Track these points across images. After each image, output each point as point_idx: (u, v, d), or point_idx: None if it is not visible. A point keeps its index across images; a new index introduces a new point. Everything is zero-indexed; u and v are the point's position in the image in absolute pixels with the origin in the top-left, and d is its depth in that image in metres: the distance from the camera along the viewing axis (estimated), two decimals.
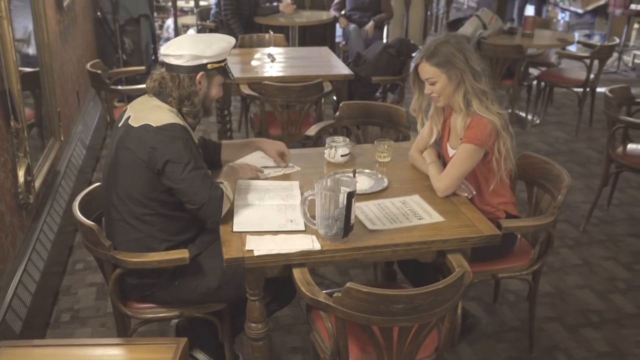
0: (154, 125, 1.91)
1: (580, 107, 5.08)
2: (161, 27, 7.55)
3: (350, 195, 1.81)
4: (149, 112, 1.98)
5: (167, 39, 7.59)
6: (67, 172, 3.57)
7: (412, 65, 2.31)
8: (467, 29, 5.23)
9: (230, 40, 2.12)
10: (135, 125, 1.94)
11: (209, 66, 2.03)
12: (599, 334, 2.68)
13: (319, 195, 1.84)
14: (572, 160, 4.60)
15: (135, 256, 1.95)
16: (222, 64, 2.09)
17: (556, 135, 5.19)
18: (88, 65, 3.84)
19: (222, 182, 2.03)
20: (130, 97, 5.36)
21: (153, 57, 6.07)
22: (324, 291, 1.75)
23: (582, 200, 3.93)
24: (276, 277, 1.93)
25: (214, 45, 2.04)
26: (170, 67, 2.02)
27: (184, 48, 2.00)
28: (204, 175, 1.94)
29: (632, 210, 3.85)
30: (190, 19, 8.09)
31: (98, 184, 2.21)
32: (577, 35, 7.60)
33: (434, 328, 1.76)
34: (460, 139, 2.24)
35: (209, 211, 1.94)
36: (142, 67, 4.48)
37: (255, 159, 2.43)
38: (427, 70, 2.20)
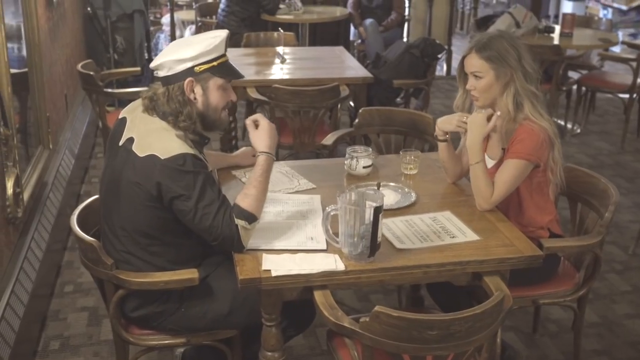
0: (162, 158, 1.91)
1: (627, 115, 5.12)
2: (154, 23, 7.65)
3: (378, 211, 1.86)
4: (155, 138, 1.96)
5: (167, 34, 7.69)
6: (55, 183, 3.64)
7: (459, 57, 2.34)
8: (498, 27, 5.28)
9: (218, 33, 2.05)
10: (141, 155, 1.94)
11: (196, 69, 1.98)
12: None
13: (342, 210, 1.89)
14: (619, 174, 4.64)
15: (140, 276, 2.01)
16: (215, 63, 2.01)
17: (599, 146, 5.23)
18: (79, 66, 3.92)
19: (242, 210, 1.95)
20: (121, 102, 5.46)
21: (147, 57, 6.18)
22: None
23: (631, 220, 3.95)
24: (293, 300, 1.97)
25: (196, 45, 1.99)
26: (161, 81, 2.03)
27: (164, 56, 2.00)
28: (218, 209, 1.92)
29: None
30: (186, 14, 8.20)
31: (95, 197, 2.26)
32: (620, 35, 7.66)
33: (470, 358, 1.80)
34: (503, 149, 2.29)
35: (226, 247, 1.97)
36: (138, 69, 4.57)
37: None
38: (475, 63, 2.26)
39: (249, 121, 2.11)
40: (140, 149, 1.96)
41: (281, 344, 2.03)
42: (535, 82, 2.27)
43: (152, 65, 2.03)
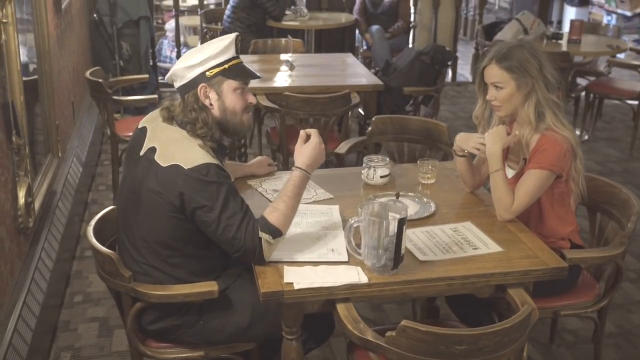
0: (185, 168, 1.89)
1: (636, 121, 5.10)
2: (157, 29, 7.64)
3: (402, 222, 1.84)
4: (178, 147, 1.95)
5: (172, 40, 7.66)
6: (63, 192, 3.61)
7: (479, 67, 2.32)
8: (506, 33, 5.29)
9: (226, 36, 2.03)
10: (164, 164, 1.92)
11: (207, 74, 1.97)
12: None
13: (366, 222, 1.87)
14: (628, 181, 4.62)
15: (159, 289, 1.98)
16: (226, 66, 1.99)
17: (608, 153, 5.21)
18: (87, 73, 3.90)
19: (269, 225, 1.93)
20: (126, 109, 5.45)
21: (152, 63, 6.17)
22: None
23: None
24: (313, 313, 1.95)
25: (204, 49, 1.99)
26: (179, 92, 2.03)
27: (175, 65, 2.01)
28: (241, 221, 1.89)
29: None
30: (188, 20, 8.18)
31: (112, 207, 2.24)
32: (625, 41, 7.66)
33: None
34: (524, 159, 2.27)
35: (248, 259, 1.95)
36: (146, 76, 4.55)
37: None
38: (496, 74, 2.23)
39: (302, 133, 2.08)
40: (163, 159, 1.94)
41: (302, 357, 2.00)
42: (557, 91, 2.25)
43: (167, 77, 2.01)
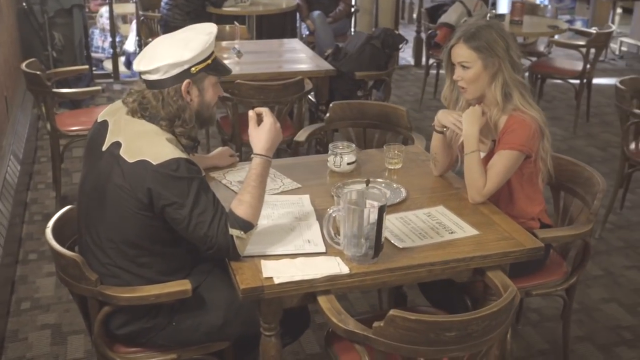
0: (154, 163, 1.80)
1: (578, 100, 5.25)
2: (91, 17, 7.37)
3: (382, 210, 1.80)
4: (145, 142, 1.85)
5: (103, 30, 7.41)
6: (3, 192, 3.43)
7: (446, 47, 2.30)
8: (450, 16, 5.34)
9: (210, 29, 1.97)
10: (131, 160, 1.82)
11: (192, 70, 1.90)
12: (635, 353, 2.76)
13: (345, 211, 1.83)
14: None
15: (128, 291, 1.88)
16: (209, 61, 1.94)
17: (552, 132, 5.27)
18: (23, 65, 3.70)
19: (237, 218, 1.86)
20: (62, 103, 5.21)
21: (85, 53, 5.94)
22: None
23: None
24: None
25: (191, 43, 1.90)
26: (150, 84, 1.91)
27: (157, 58, 1.88)
28: (213, 217, 1.82)
29: None
30: (118, 8, 7.90)
31: (70, 206, 2.12)
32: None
33: (484, 357, 1.77)
34: (493, 140, 2.27)
35: (222, 256, 1.88)
36: (86, 67, 4.38)
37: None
38: (463, 53, 2.22)
39: (252, 113, 1.98)
40: (129, 154, 1.83)
41: (281, 353, 1.95)
42: (522, 72, 2.26)
43: (141, 68, 1.89)
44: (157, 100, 1.89)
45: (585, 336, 2.87)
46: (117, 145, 1.87)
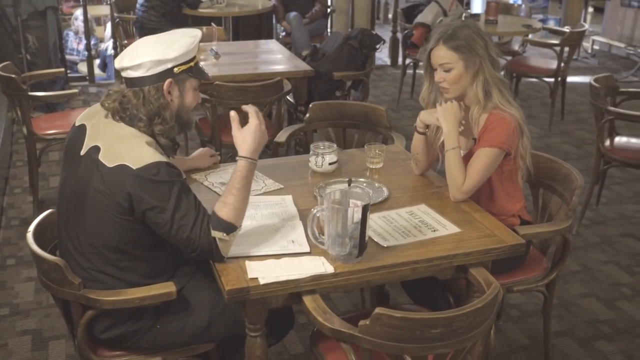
0: (134, 168, 1.79)
1: (553, 98, 5.31)
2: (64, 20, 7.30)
3: (366, 209, 1.82)
4: (125, 146, 1.84)
5: (77, 32, 7.34)
6: None
7: (425, 50, 2.32)
8: (426, 16, 5.37)
9: (195, 33, 2.00)
10: (110, 165, 1.81)
11: (175, 70, 1.90)
12: (614, 347, 2.81)
13: (329, 211, 1.83)
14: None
15: (113, 294, 1.87)
16: (191, 64, 1.95)
17: (529, 130, 5.34)
18: None
19: (220, 220, 1.85)
20: (36, 106, 5.15)
21: (60, 56, 5.88)
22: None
23: None
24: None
25: (176, 44, 1.91)
26: (130, 82, 1.90)
27: (141, 55, 1.88)
28: (195, 220, 1.82)
29: (621, 209, 4.07)
30: (92, 10, 7.82)
31: (51, 210, 2.10)
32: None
33: (468, 353, 1.79)
34: (474, 139, 2.29)
35: (206, 258, 1.88)
36: (62, 69, 4.34)
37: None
38: (444, 55, 2.23)
39: (233, 114, 1.96)
40: (108, 159, 1.82)
41: (267, 354, 1.96)
42: (501, 69, 2.29)
43: (124, 64, 1.88)
44: (137, 98, 1.88)
45: (565, 331, 2.91)
46: (96, 149, 1.86)
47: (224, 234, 1.84)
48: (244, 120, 1.98)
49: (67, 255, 1.95)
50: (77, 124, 1.98)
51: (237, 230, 1.88)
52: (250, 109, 1.98)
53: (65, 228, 1.96)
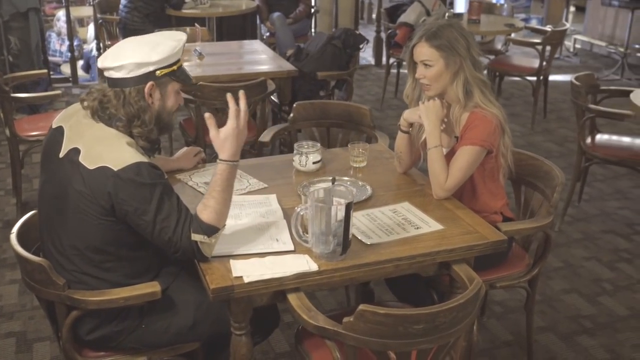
0: (115, 169, 1.78)
1: (535, 96, 5.37)
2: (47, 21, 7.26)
3: (349, 207, 1.83)
4: (105, 147, 1.84)
5: (59, 33, 7.30)
6: None
7: (408, 46, 2.34)
8: (409, 16, 5.41)
9: (180, 37, 2.00)
10: (91, 167, 1.80)
11: (157, 73, 1.90)
12: (596, 341, 2.84)
13: (313, 209, 1.85)
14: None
15: (97, 294, 1.87)
16: (174, 67, 1.94)
17: (511, 128, 5.29)
18: None
19: (202, 223, 1.85)
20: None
21: (43, 57, 5.84)
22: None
23: None
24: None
25: (160, 47, 1.91)
26: (112, 82, 1.90)
27: (123, 56, 1.88)
28: (177, 221, 1.82)
29: (603, 206, 4.12)
30: (74, 11, 7.78)
31: (34, 212, 2.09)
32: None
33: (452, 349, 1.81)
34: (456, 137, 2.32)
35: (189, 258, 1.89)
36: (45, 71, 4.32)
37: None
38: (425, 52, 2.26)
39: (208, 116, 1.92)
40: (89, 161, 1.81)
41: (252, 352, 1.96)
42: (482, 69, 2.31)
43: (107, 65, 1.88)
44: (117, 99, 1.88)
45: (547, 326, 2.94)
46: (76, 151, 1.85)
47: (205, 237, 1.84)
48: (221, 120, 1.97)
49: (50, 258, 1.94)
50: (54, 126, 1.97)
51: (219, 232, 1.88)
52: (231, 108, 1.93)
53: (47, 231, 1.96)
